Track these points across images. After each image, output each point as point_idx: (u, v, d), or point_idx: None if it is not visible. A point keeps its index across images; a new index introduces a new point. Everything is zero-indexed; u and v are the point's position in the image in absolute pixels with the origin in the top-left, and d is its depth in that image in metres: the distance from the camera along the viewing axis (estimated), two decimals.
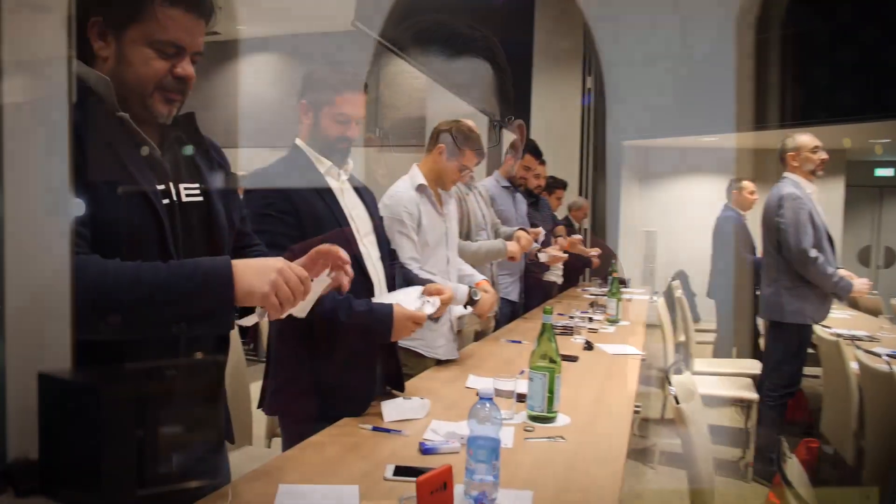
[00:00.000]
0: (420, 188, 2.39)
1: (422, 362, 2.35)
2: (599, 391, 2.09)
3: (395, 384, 1.93)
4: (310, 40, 11.49)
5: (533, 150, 3.90)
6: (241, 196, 1.62)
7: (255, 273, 1.07)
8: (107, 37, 1.11)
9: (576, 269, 5.38)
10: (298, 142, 1.85)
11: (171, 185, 1.16)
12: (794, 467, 1.48)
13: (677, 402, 1.62)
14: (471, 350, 2.70)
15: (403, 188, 2.39)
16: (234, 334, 2.21)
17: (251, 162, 2.40)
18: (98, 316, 0.98)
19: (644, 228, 9.27)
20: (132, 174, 1.09)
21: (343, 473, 1.33)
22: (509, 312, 3.70)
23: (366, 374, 1.76)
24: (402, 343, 2.31)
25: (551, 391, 1.70)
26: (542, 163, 4.22)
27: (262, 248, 1.40)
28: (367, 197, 1.95)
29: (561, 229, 4.60)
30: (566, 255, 3.72)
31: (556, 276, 5.01)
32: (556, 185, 4.99)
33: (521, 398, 1.77)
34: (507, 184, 3.78)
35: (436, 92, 6.33)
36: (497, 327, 3.38)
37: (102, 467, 0.93)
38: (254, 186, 1.74)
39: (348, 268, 1.32)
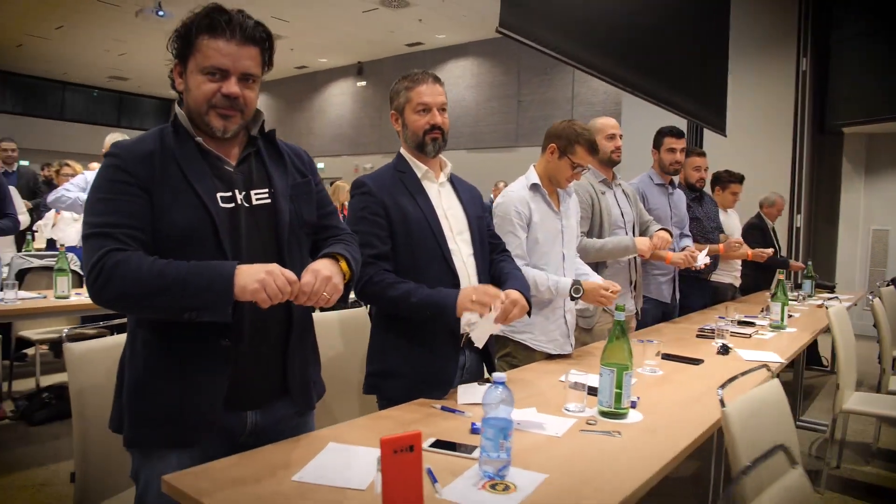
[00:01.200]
0: (533, 187, 2.49)
1: (530, 355, 2.45)
2: (696, 395, 2.03)
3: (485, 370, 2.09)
4: (502, 43, 11.86)
5: (669, 131, 3.72)
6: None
7: (249, 275, 1.32)
8: (181, 74, 1.45)
9: (769, 270, 4.99)
10: (402, 150, 2.07)
11: (237, 191, 1.45)
12: None
13: None
14: (591, 348, 2.73)
15: (517, 188, 2.51)
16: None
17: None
18: (126, 302, 1.35)
19: (871, 226, 8.20)
20: (195, 187, 1.39)
21: None
22: (660, 314, 3.60)
23: (445, 361, 1.93)
24: (513, 336, 2.45)
25: (619, 387, 1.73)
26: (702, 155, 4.01)
27: (336, 239, 1.63)
28: (464, 196, 2.11)
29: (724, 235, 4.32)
30: (701, 262, 3.41)
31: (731, 276, 4.71)
32: (730, 179, 4.66)
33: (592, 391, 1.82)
34: (662, 181, 3.67)
35: None
36: (640, 327, 3.33)
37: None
38: (356, 191, 2.00)
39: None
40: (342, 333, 2.41)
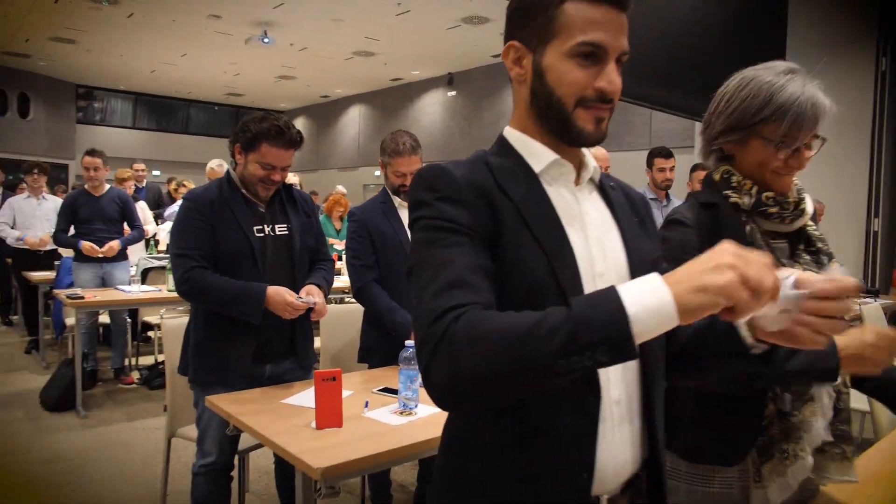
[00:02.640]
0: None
1: None
2: None
3: None
4: None
5: (658, 152, 4.32)
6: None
7: (272, 295, 2.22)
8: (240, 153, 2.30)
9: None
10: (385, 187, 2.82)
11: (266, 226, 2.31)
12: None
13: None
14: None
15: None
16: None
17: None
18: (201, 301, 2.25)
19: None
20: (239, 220, 2.23)
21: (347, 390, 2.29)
22: None
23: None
24: None
25: None
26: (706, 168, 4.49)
27: (324, 263, 2.47)
28: None
29: None
30: None
31: None
32: None
33: None
34: (654, 196, 4.25)
35: None
36: None
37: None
38: (350, 219, 2.80)
39: None
40: (352, 322, 3.21)
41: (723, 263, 0.75)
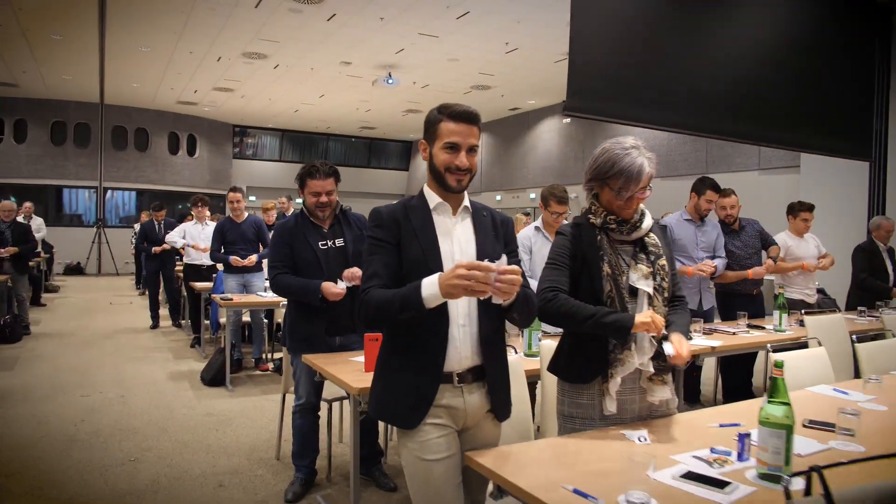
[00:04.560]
0: (536, 229, 4.02)
1: None
2: None
3: None
4: None
5: (712, 185, 4.82)
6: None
7: (324, 288, 3.23)
8: (300, 194, 3.39)
9: (873, 291, 5.56)
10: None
11: (328, 241, 3.33)
12: None
13: None
14: None
15: (527, 231, 4.05)
16: None
17: None
18: (283, 293, 3.36)
19: None
20: (309, 239, 3.30)
21: None
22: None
23: None
24: None
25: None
26: (728, 195, 4.98)
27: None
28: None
29: (774, 250, 5.18)
30: (707, 270, 4.62)
31: (802, 294, 5.42)
32: (801, 207, 5.36)
33: None
34: (690, 218, 4.85)
35: None
36: None
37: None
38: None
39: None
40: None
41: (457, 275, 1.63)
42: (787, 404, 1.69)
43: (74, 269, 16.64)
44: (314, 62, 12.53)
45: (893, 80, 7.31)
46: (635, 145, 2.13)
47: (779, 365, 1.75)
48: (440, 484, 1.87)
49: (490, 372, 1.95)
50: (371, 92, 14.80)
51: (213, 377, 5.76)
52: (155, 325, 8.92)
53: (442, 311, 1.84)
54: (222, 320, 6.45)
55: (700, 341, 3.84)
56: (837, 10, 6.17)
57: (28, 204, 11.02)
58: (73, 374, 6.16)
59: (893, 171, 7.38)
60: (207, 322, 7.27)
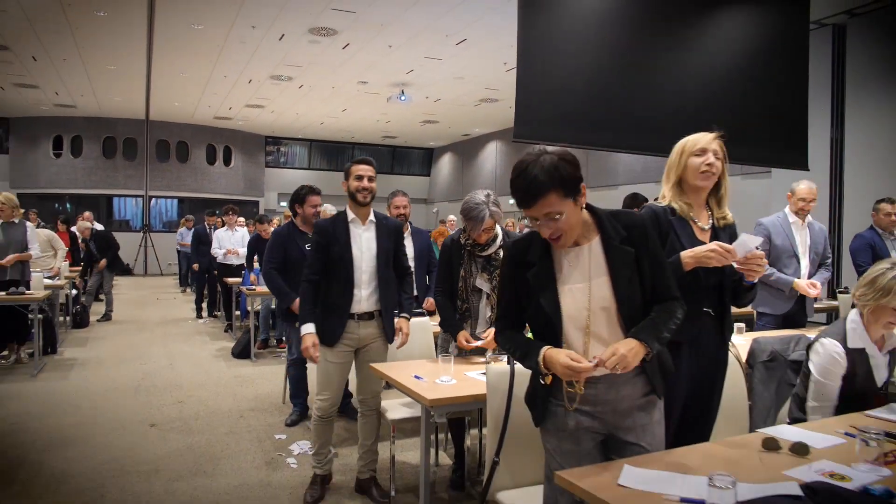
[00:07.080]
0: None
1: None
2: None
3: None
4: None
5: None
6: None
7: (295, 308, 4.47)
8: (300, 207, 4.73)
9: None
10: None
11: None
12: None
13: None
14: None
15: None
16: None
17: None
18: (268, 286, 4.67)
19: None
20: (298, 242, 4.66)
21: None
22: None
23: None
24: None
25: None
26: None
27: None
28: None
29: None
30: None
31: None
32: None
33: None
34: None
35: None
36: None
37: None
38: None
39: None
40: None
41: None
42: None
43: (124, 270, 18.39)
44: (334, 82, 13.97)
45: (849, 93, 8.05)
46: (484, 201, 3.19)
47: None
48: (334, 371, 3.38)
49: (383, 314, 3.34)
50: (389, 106, 16.18)
51: (241, 351, 7.20)
52: (199, 316, 10.48)
53: (348, 279, 3.25)
54: (249, 308, 7.87)
55: None
56: (776, 36, 6.54)
57: (87, 213, 12.63)
58: (133, 349, 7.70)
59: (850, 177, 7.95)
60: (238, 313, 8.73)
